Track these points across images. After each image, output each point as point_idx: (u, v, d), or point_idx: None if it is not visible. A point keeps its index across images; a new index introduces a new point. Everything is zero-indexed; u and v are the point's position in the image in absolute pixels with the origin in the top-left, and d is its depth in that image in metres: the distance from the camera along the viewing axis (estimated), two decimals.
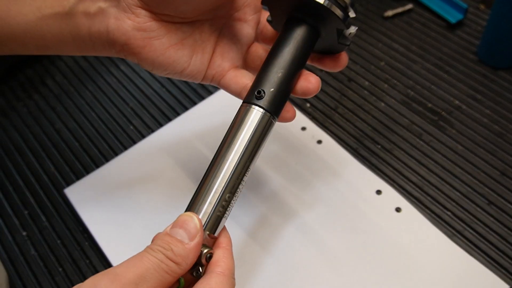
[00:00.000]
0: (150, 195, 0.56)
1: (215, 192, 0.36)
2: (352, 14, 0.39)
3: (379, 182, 0.58)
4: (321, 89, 0.69)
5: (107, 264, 0.54)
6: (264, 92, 0.38)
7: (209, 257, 0.35)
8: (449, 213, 0.56)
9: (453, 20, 0.76)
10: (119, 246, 0.54)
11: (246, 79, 0.43)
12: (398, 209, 0.56)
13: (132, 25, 0.38)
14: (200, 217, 0.35)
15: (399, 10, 0.79)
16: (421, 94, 0.68)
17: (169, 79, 0.72)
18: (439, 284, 0.50)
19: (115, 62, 0.75)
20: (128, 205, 0.58)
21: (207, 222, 0.35)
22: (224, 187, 0.36)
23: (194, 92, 0.70)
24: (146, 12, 0.38)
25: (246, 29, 0.44)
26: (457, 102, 0.67)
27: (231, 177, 0.36)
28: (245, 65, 0.45)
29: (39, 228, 0.58)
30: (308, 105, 0.68)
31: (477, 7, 0.79)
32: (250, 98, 0.38)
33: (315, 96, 0.69)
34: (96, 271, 0.54)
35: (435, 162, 0.60)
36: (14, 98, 0.72)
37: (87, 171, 0.62)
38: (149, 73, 0.73)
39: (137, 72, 0.74)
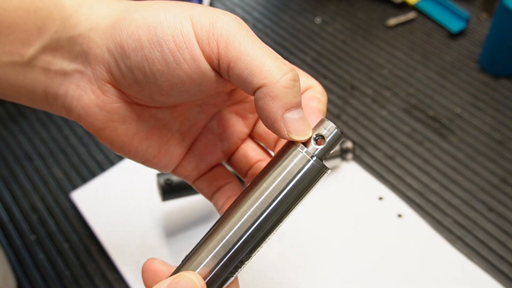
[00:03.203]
0: (156, 198, 0.57)
1: (233, 252, 0.28)
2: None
3: (381, 189, 0.59)
4: None
5: (113, 267, 0.55)
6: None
7: None
8: (450, 219, 0.57)
9: (455, 29, 0.77)
10: (125, 249, 0.56)
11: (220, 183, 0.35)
12: (400, 215, 0.57)
13: (95, 101, 0.30)
14: (206, 280, 0.29)
15: (402, 19, 0.80)
16: (423, 102, 0.69)
17: None
18: None
19: None
20: (134, 208, 0.59)
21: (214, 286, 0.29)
22: (246, 249, 0.29)
23: None
24: (116, 91, 0.30)
25: (240, 126, 0.36)
26: (458, 110, 0.68)
27: (258, 237, 0.29)
28: (229, 163, 0.37)
29: (47, 232, 0.59)
30: None
31: (479, 16, 0.80)
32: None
33: None
34: (103, 274, 0.55)
35: (436, 169, 0.61)
36: (24, 104, 0.73)
37: (94, 175, 0.63)
38: None
39: None
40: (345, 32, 0.80)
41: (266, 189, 0.28)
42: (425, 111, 0.68)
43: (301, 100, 0.28)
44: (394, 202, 0.58)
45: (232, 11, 0.86)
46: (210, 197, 0.36)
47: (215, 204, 0.35)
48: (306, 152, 0.28)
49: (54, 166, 0.65)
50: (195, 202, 0.58)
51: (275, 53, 0.28)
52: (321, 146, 0.28)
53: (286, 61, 0.28)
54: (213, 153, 0.35)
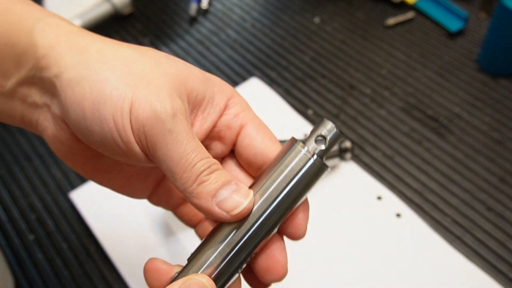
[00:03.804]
0: None
1: (238, 249, 0.29)
2: None
3: (380, 188, 0.59)
4: (324, 96, 0.70)
5: (112, 267, 0.55)
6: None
7: None
8: (448, 219, 0.57)
9: (453, 28, 0.77)
10: (124, 249, 0.55)
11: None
12: (398, 215, 0.57)
13: (56, 134, 0.32)
14: (212, 277, 0.29)
15: (401, 18, 0.80)
16: (422, 101, 0.69)
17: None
18: None
19: None
20: (133, 208, 0.59)
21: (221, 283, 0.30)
22: (250, 245, 0.29)
23: None
24: (71, 131, 0.32)
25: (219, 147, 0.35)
26: (457, 109, 0.68)
27: (262, 233, 0.30)
28: None
29: (46, 232, 0.59)
30: (310, 112, 0.69)
31: (478, 16, 0.80)
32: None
33: (318, 103, 0.70)
34: (102, 274, 0.55)
35: (435, 169, 0.61)
36: None
37: None
38: None
39: None
40: (344, 31, 0.80)
41: (269, 187, 0.29)
42: (423, 111, 0.68)
43: (221, 180, 0.29)
44: (392, 202, 0.58)
45: (231, 11, 0.86)
46: (193, 226, 0.37)
47: (199, 236, 0.37)
48: (307, 151, 0.29)
49: (53, 166, 0.65)
50: None
51: (197, 147, 0.29)
52: (321, 146, 0.30)
53: (206, 154, 0.29)
54: None
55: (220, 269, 0.29)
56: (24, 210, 0.61)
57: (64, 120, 0.31)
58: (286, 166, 0.29)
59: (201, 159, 0.28)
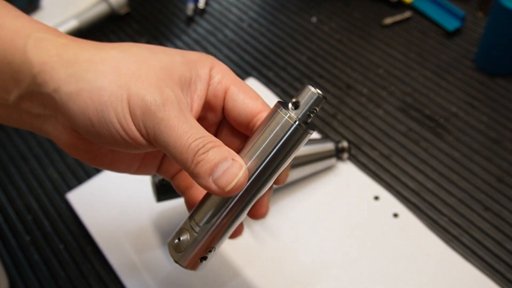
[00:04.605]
0: (151, 198, 0.57)
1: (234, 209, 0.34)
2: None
3: (377, 188, 0.59)
4: None
5: (108, 268, 0.55)
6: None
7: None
8: (445, 218, 0.57)
9: (451, 28, 0.77)
10: (121, 250, 0.55)
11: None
12: (395, 215, 0.57)
13: (70, 141, 0.36)
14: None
15: (398, 18, 0.80)
16: (419, 101, 0.69)
17: None
18: None
19: None
20: (129, 209, 0.59)
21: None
22: (244, 205, 0.34)
23: None
24: (82, 136, 0.35)
25: (206, 126, 0.39)
26: (454, 108, 0.68)
27: (252, 194, 0.34)
28: None
29: (42, 233, 0.59)
30: None
31: (475, 15, 0.80)
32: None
33: None
34: (99, 275, 0.54)
35: (432, 168, 0.61)
36: None
37: (89, 176, 0.63)
38: None
39: None
40: (341, 31, 0.80)
41: (255, 152, 0.32)
42: (421, 110, 0.68)
43: (217, 158, 0.31)
44: (389, 202, 0.58)
45: (228, 10, 0.86)
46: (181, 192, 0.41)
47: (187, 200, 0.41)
48: (289, 117, 0.32)
49: (49, 167, 0.65)
50: None
51: (190, 128, 0.31)
52: (303, 111, 0.32)
53: (200, 134, 0.32)
54: None
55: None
56: (21, 211, 0.61)
57: (74, 128, 0.34)
58: (270, 132, 0.32)
59: (195, 139, 0.31)
